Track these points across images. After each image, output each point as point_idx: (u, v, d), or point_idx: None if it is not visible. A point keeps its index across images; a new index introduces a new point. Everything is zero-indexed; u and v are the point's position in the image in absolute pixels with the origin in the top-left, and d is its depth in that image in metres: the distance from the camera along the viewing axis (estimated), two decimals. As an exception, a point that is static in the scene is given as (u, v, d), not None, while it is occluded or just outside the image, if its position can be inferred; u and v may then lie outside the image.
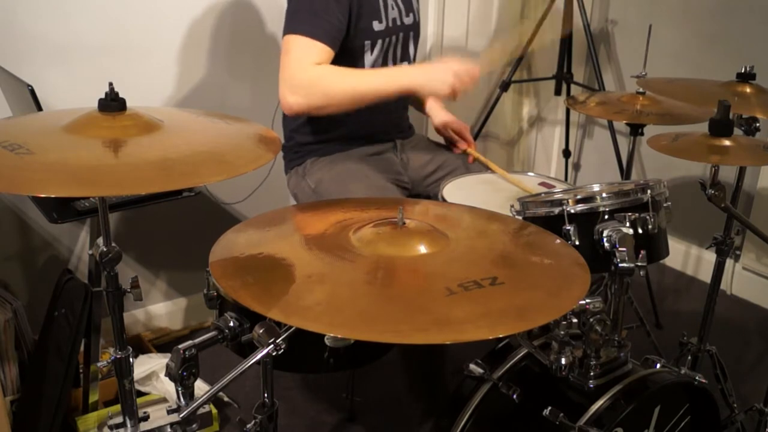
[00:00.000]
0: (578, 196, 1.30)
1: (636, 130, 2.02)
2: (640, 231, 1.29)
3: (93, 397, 1.86)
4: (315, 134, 1.82)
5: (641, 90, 1.88)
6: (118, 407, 1.59)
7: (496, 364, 1.36)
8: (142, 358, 2.01)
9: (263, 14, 2.27)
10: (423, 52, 2.72)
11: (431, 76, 1.62)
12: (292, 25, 1.61)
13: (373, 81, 1.64)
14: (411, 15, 1.80)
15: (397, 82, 1.64)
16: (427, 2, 2.67)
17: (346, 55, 1.66)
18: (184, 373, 1.00)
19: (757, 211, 2.58)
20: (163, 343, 2.29)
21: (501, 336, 1.36)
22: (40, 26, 1.90)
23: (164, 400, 1.91)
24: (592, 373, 1.26)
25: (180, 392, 1.02)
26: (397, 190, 1.78)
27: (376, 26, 1.70)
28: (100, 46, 2.00)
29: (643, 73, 1.93)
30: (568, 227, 1.28)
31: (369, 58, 1.73)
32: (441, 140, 2.01)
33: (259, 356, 0.99)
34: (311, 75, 1.58)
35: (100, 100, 1.11)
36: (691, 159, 1.34)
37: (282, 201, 2.34)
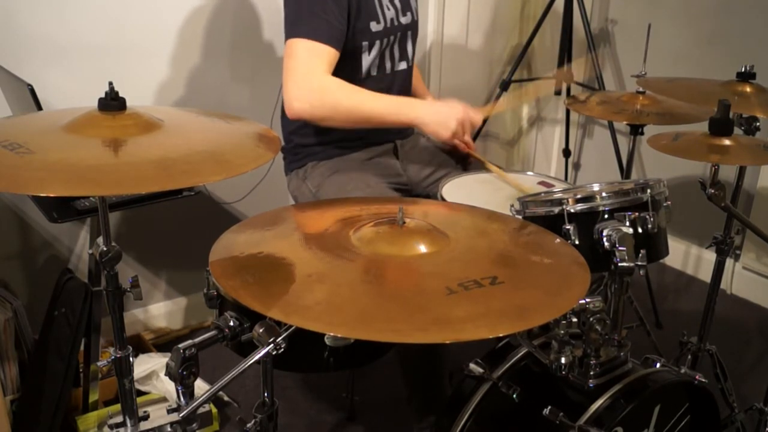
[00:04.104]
0: (578, 196, 1.30)
1: (636, 129, 2.02)
2: (639, 230, 1.29)
3: (93, 397, 1.86)
4: (315, 136, 1.82)
5: (641, 90, 1.88)
6: (118, 407, 1.59)
7: (496, 363, 1.36)
8: (142, 357, 2.01)
9: (263, 14, 2.27)
10: (423, 50, 2.73)
11: (437, 119, 1.64)
12: (294, 29, 1.60)
13: (380, 106, 1.64)
14: (408, 14, 1.80)
15: (403, 114, 1.66)
16: (427, 1, 2.67)
17: (344, 56, 1.66)
18: (184, 373, 1.00)
19: (757, 211, 2.58)
20: (163, 342, 2.30)
21: (501, 335, 1.37)
22: (40, 26, 1.90)
23: (164, 399, 1.91)
24: (592, 373, 1.26)
25: (180, 391, 1.02)
26: (397, 196, 1.78)
27: (374, 27, 1.69)
28: (100, 46, 2.00)
29: (643, 73, 1.93)
30: (568, 226, 1.28)
31: (367, 58, 1.72)
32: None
33: (259, 355, 0.99)
34: (320, 84, 1.58)
35: (100, 100, 1.11)
36: (691, 158, 1.34)
37: (282, 200, 2.35)
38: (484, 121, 2.79)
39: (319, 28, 1.58)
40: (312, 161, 1.82)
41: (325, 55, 1.59)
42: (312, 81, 1.58)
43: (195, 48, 2.17)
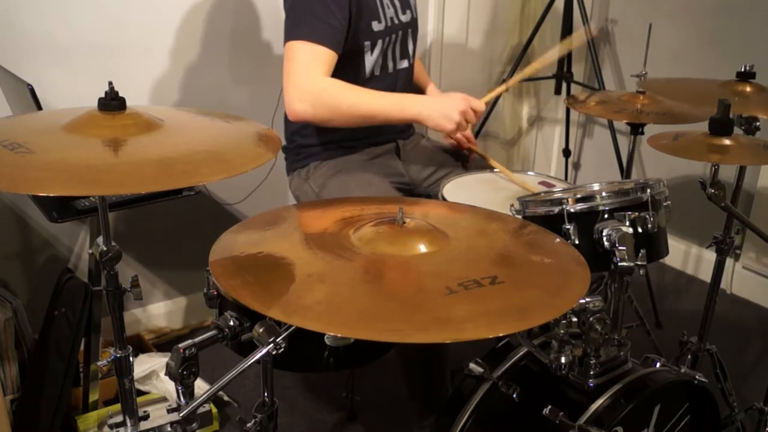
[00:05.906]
0: (578, 195, 1.30)
1: (636, 129, 2.02)
2: (639, 230, 1.29)
3: (93, 396, 1.86)
4: (317, 136, 1.82)
5: (641, 89, 1.88)
6: (118, 406, 1.59)
7: (496, 363, 1.36)
8: (142, 357, 2.02)
9: (263, 14, 2.27)
10: (423, 49, 2.72)
11: (439, 111, 1.63)
12: (294, 31, 1.60)
13: (381, 104, 1.64)
14: (408, 12, 1.80)
15: (405, 111, 1.65)
16: (427, 0, 2.67)
17: (347, 57, 1.66)
18: (184, 372, 1.00)
19: (757, 211, 2.58)
20: (163, 342, 2.30)
21: (501, 335, 1.37)
22: (41, 25, 1.90)
23: (164, 399, 1.91)
24: (592, 372, 1.26)
25: (180, 391, 1.02)
26: (399, 195, 1.78)
27: (376, 26, 1.70)
28: (100, 46, 2.00)
29: (644, 72, 1.93)
30: (568, 226, 1.28)
31: (369, 58, 1.72)
32: (440, 138, 2.01)
33: (259, 355, 0.99)
34: (320, 86, 1.58)
35: (100, 99, 1.11)
36: (691, 158, 1.34)
37: (282, 201, 2.35)
38: (490, 111, 2.79)
39: (319, 30, 1.58)
40: (315, 161, 1.82)
41: (325, 57, 1.59)
42: (311, 83, 1.58)
43: (195, 48, 2.17)
